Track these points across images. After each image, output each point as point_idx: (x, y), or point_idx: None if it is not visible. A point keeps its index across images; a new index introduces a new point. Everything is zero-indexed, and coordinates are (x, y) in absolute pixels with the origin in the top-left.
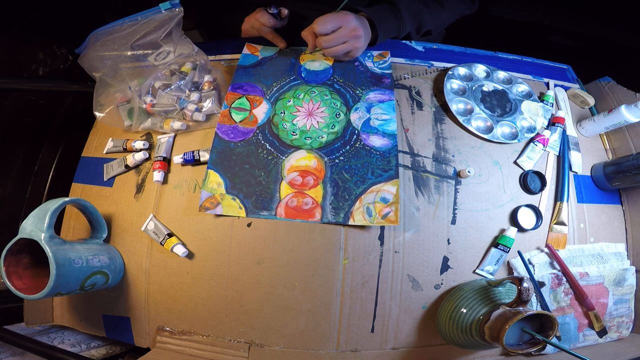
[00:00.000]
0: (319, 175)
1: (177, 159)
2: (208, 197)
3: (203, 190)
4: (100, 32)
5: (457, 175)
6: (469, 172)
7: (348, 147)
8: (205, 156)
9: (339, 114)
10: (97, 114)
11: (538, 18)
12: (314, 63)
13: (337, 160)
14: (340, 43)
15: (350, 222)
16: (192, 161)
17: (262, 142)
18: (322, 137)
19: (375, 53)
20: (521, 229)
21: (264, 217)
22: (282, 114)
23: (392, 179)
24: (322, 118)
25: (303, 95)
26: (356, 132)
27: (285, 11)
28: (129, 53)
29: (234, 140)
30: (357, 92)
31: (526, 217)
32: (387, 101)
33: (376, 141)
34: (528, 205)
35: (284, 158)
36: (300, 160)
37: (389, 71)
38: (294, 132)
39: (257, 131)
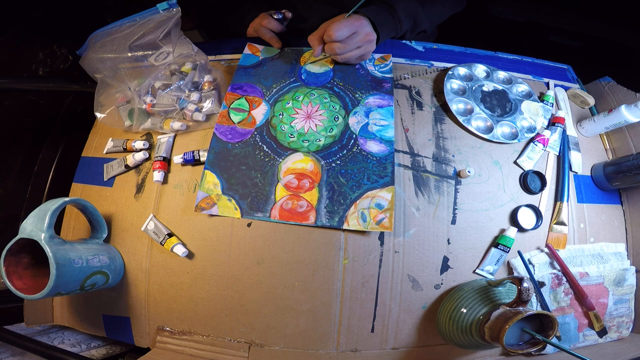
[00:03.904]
0: (315, 178)
1: (177, 159)
2: (204, 198)
3: (199, 190)
4: (100, 34)
5: (457, 175)
6: (469, 172)
7: (345, 152)
8: (205, 156)
9: (338, 117)
10: (97, 114)
11: (538, 18)
12: (315, 66)
13: (333, 164)
14: (354, 48)
15: (345, 227)
16: (192, 161)
17: (260, 143)
18: (320, 141)
19: (377, 56)
20: (521, 229)
21: (258, 219)
22: (281, 116)
23: (388, 186)
24: (321, 121)
25: (302, 97)
26: (354, 136)
27: (289, 14)
28: (129, 54)
29: (232, 141)
30: (357, 95)
31: (526, 217)
32: (386, 106)
33: (373, 147)
34: (528, 205)
35: (280, 160)
36: (297, 163)
37: (389, 75)
38: (291, 135)
39: (255, 133)
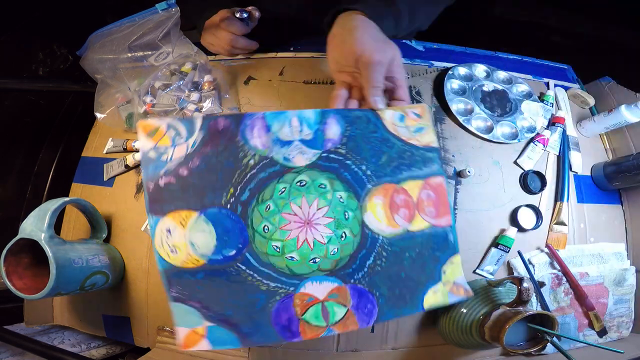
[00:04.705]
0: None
1: None
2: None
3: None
4: (99, 34)
5: (457, 175)
6: (469, 172)
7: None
8: None
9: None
10: (97, 114)
11: (538, 18)
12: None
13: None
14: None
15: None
16: None
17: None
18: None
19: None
20: (521, 229)
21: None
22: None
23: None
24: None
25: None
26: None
27: (256, 13)
28: (128, 54)
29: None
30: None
31: (526, 217)
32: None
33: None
34: (528, 205)
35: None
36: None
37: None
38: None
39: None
